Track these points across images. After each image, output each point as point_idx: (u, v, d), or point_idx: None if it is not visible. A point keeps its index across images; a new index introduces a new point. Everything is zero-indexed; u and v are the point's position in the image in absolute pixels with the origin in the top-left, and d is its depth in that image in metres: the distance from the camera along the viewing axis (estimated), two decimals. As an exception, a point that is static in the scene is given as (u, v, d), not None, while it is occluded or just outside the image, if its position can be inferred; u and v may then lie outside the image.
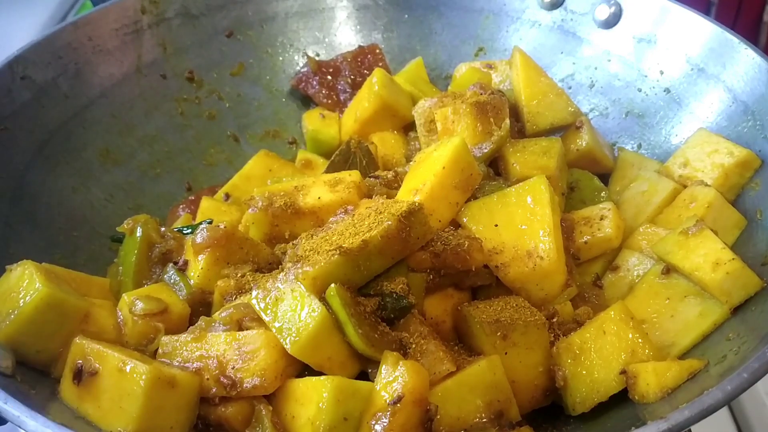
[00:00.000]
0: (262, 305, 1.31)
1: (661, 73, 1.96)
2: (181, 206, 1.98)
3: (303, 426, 1.24)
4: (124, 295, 1.47)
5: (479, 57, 2.22)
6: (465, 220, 1.53)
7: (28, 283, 1.34)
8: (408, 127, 2.01)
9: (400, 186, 1.60)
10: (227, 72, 2.22)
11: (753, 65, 1.73)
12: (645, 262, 1.62)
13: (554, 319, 1.47)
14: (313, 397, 1.24)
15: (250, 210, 1.63)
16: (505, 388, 1.33)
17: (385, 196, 1.57)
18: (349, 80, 2.17)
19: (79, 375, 1.28)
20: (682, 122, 1.90)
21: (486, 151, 1.65)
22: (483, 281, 1.49)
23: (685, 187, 1.72)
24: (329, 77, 2.20)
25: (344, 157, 1.82)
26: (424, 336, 1.34)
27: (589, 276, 1.67)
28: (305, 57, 2.26)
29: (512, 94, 1.93)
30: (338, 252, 1.30)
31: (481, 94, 1.79)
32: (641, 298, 1.54)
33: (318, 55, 2.28)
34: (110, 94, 2.01)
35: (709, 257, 1.49)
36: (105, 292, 1.56)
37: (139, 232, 1.61)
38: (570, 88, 2.09)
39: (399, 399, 1.21)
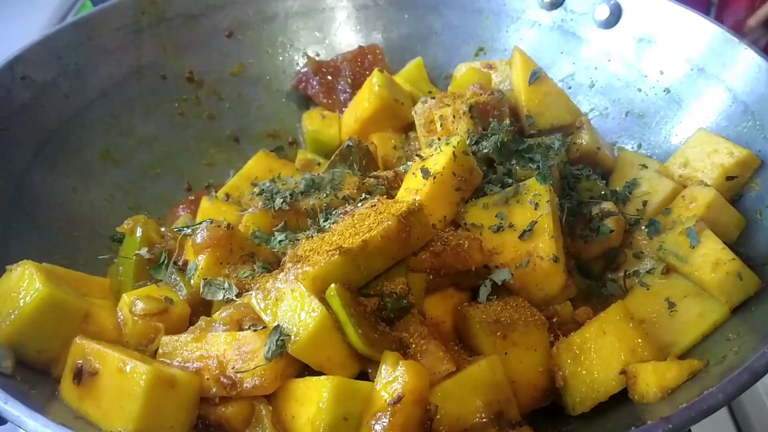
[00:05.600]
0: (262, 305, 1.31)
1: (661, 73, 1.96)
2: (181, 206, 1.98)
3: (303, 426, 1.24)
4: (124, 295, 1.47)
5: (479, 57, 2.22)
6: (465, 220, 1.53)
7: (28, 283, 1.34)
8: (408, 127, 2.01)
9: (400, 186, 1.60)
10: (227, 72, 2.22)
11: (753, 65, 1.73)
12: (645, 262, 1.62)
13: (554, 319, 1.47)
14: (313, 397, 1.24)
15: (250, 210, 1.64)
16: (505, 388, 1.33)
17: (385, 196, 1.57)
18: (349, 80, 2.17)
19: (79, 375, 1.28)
20: (682, 122, 1.90)
21: (486, 151, 1.65)
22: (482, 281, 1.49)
23: (685, 187, 1.72)
24: (329, 77, 2.20)
25: (344, 157, 1.82)
26: (424, 336, 1.34)
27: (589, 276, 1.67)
28: (305, 57, 2.26)
29: (512, 94, 1.94)
30: (338, 252, 1.30)
31: (481, 94, 1.79)
32: (641, 298, 1.54)
33: (318, 55, 2.28)
34: (110, 94, 2.01)
35: (709, 257, 1.49)
36: (105, 292, 1.56)
37: (139, 232, 1.61)
38: (570, 88, 2.09)
39: (399, 399, 1.21)
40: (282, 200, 1.61)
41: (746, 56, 1.75)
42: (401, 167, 1.73)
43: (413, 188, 1.51)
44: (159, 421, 1.24)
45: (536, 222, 1.49)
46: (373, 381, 1.27)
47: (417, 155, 1.61)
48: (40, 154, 1.81)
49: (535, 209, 1.50)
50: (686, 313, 1.48)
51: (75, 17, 2.04)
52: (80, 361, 1.29)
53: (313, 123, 2.10)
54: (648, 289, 1.55)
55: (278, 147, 2.18)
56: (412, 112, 1.86)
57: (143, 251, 1.59)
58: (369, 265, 1.33)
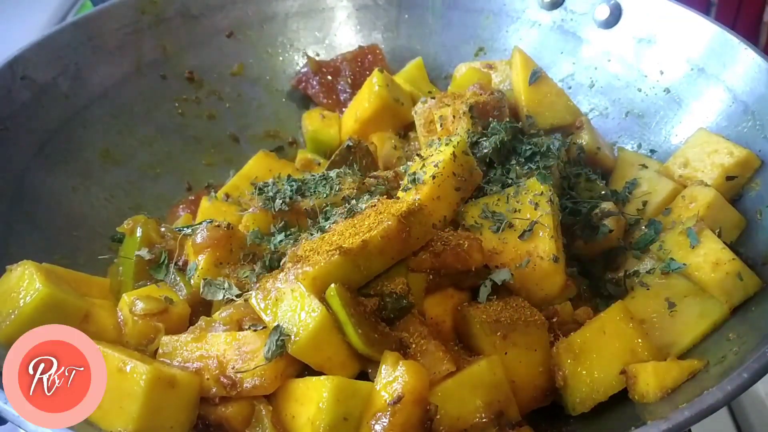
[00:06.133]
0: (262, 305, 1.31)
1: (661, 73, 1.96)
2: (181, 206, 1.98)
3: (303, 426, 1.24)
4: (124, 295, 1.47)
5: (479, 57, 2.22)
6: (465, 220, 1.53)
7: (28, 283, 1.34)
8: (408, 127, 2.01)
9: (399, 186, 1.60)
10: (227, 72, 2.22)
11: (753, 65, 1.73)
12: (645, 262, 1.61)
13: (554, 319, 1.47)
14: (313, 397, 1.24)
15: (250, 210, 1.64)
16: (505, 388, 1.33)
17: (385, 196, 1.57)
18: (349, 80, 2.17)
19: (79, 375, 1.28)
20: (682, 122, 1.90)
21: (486, 151, 1.65)
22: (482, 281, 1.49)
23: (685, 187, 1.72)
24: (329, 77, 2.20)
25: (344, 157, 1.82)
26: (424, 336, 1.34)
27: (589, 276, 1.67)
28: (305, 57, 2.26)
29: (512, 94, 1.94)
30: (338, 252, 1.30)
31: (481, 94, 1.79)
32: (641, 298, 1.54)
33: (318, 55, 2.28)
34: (110, 94, 2.01)
35: (709, 257, 1.49)
36: (105, 292, 1.56)
37: (139, 232, 1.61)
38: (570, 88, 2.09)
39: (399, 399, 1.21)
40: (282, 200, 1.61)
41: (746, 56, 1.75)
42: (401, 167, 1.73)
43: (413, 188, 1.51)
44: (159, 421, 1.24)
45: (536, 222, 1.49)
46: (373, 381, 1.27)
47: (417, 155, 1.61)
48: (40, 154, 1.81)
49: (535, 209, 1.50)
50: (686, 313, 1.48)
51: (75, 17, 2.05)
52: (80, 361, 1.29)
53: (313, 123, 2.10)
54: (648, 289, 1.55)
55: (278, 147, 2.18)
56: (412, 112, 1.86)
57: (143, 252, 1.59)
58: (369, 265, 1.33)
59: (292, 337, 1.25)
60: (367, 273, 1.34)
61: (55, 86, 1.89)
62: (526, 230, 1.49)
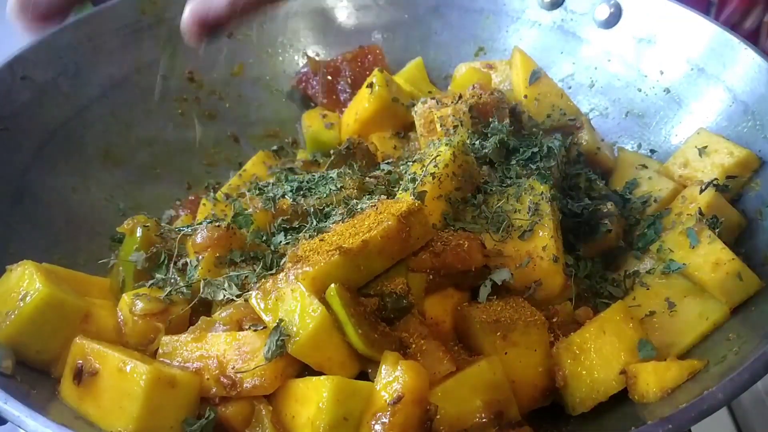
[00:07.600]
0: (262, 305, 1.31)
1: (661, 73, 1.96)
2: (181, 206, 1.98)
3: (303, 426, 1.24)
4: (124, 295, 1.47)
5: (479, 57, 2.22)
6: (465, 220, 1.53)
7: (28, 283, 1.34)
8: (408, 127, 2.01)
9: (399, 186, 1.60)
10: (227, 72, 2.22)
11: (753, 65, 1.73)
12: (645, 262, 1.62)
13: (554, 319, 1.47)
14: (313, 397, 1.24)
15: (250, 210, 1.64)
16: (505, 388, 1.33)
17: (384, 196, 1.57)
18: (349, 80, 2.17)
19: (79, 375, 1.28)
20: (682, 122, 1.90)
21: (486, 151, 1.65)
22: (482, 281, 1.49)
23: (685, 187, 1.72)
24: (329, 77, 2.20)
25: (344, 157, 1.82)
26: (424, 336, 1.34)
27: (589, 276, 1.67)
28: (305, 57, 2.26)
29: (512, 94, 1.94)
30: (338, 252, 1.30)
31: (481, 94, 1.79)
32: (641, 298, 1.54)
33: (318, 55, 2.28)
34: (110, 94, 2.01)
35: (709, 257, 1.49)
36: (105, 292, 1.56)
37: (139, 232, 1.61)
38: (570, 88, 2.09)
39: (399, 399, 1.21)
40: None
41: (746, 56, 1.75)
42: (401, 167, 1.73)
43: (413, 188, 1.51)
44: (159, 421, 1.24)
45: (536, 222, 1.49)
46: (373, 381, 1.27)
47: (417, 155, 1.61)
48: (40, 154, 1.81)
49: (535, 209, 1.50)
50: (686, 313, 1.48)
51: (75, 17, 2.05)
52: (80, 361, 1.29)
53: (313, 123, 2.10)
54: (648, 289, 1.55)
55: (278, 147, 2.18)
56: (412, 112, 1.86)
57: (137, 256, 1.57)
58: (369, 265, 1.33)
59: (292, 337, 1.26)
60: (367, 273, 1.34)
61: (55, 86, 1.89)
62: (526, 230, 1.49)
